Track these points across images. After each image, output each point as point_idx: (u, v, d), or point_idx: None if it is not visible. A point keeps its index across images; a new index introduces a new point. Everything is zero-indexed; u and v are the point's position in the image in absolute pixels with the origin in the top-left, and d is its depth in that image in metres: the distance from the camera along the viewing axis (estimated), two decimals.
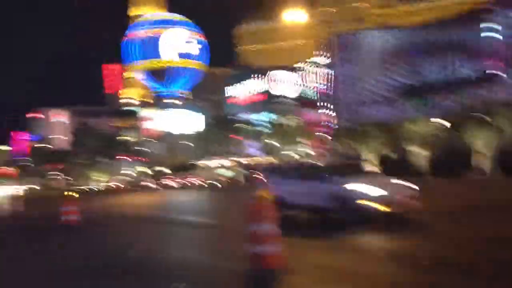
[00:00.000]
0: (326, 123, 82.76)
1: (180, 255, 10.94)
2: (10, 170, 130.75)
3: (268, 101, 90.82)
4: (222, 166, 76.62)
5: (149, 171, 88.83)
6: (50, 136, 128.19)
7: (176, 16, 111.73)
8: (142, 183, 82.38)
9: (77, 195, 20.40)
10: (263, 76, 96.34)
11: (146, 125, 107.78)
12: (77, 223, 17.49)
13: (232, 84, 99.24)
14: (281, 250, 7.89)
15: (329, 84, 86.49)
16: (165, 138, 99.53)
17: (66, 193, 20.91)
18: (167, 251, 11.58)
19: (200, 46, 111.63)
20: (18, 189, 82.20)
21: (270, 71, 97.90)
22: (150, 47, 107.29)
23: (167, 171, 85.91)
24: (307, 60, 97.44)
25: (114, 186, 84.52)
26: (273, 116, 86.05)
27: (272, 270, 7.68)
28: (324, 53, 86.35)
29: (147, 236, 14.91)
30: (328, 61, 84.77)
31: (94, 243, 13.75)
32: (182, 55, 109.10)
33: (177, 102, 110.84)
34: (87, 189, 78.13)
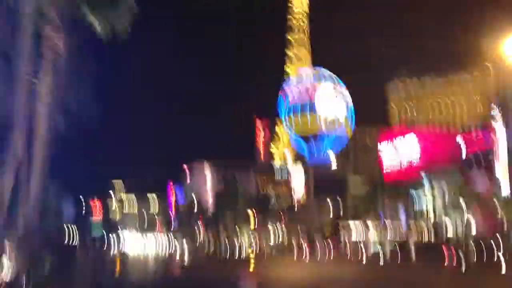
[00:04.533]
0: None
1: None
2: (158, 222, 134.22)
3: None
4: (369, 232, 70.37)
5: (297, 234, 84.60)
6: (194, 193, 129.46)
7: (326, 72, 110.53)
8: (293, 247, 77.55)
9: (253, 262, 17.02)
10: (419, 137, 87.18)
11: (294, 182, 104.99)
12: None
13: (384, 145, 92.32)
14: None
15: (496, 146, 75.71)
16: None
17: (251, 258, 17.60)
18: None
19: (346, 104, 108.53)
20: (172, 248, 79.73)
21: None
22: (306, 102, 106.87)
23: (316, 233, 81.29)
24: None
25: (258, 251, 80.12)
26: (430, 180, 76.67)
27: None
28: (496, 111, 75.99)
29: None
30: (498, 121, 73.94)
31: None
32: (331, 113, 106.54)
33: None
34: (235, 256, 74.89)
